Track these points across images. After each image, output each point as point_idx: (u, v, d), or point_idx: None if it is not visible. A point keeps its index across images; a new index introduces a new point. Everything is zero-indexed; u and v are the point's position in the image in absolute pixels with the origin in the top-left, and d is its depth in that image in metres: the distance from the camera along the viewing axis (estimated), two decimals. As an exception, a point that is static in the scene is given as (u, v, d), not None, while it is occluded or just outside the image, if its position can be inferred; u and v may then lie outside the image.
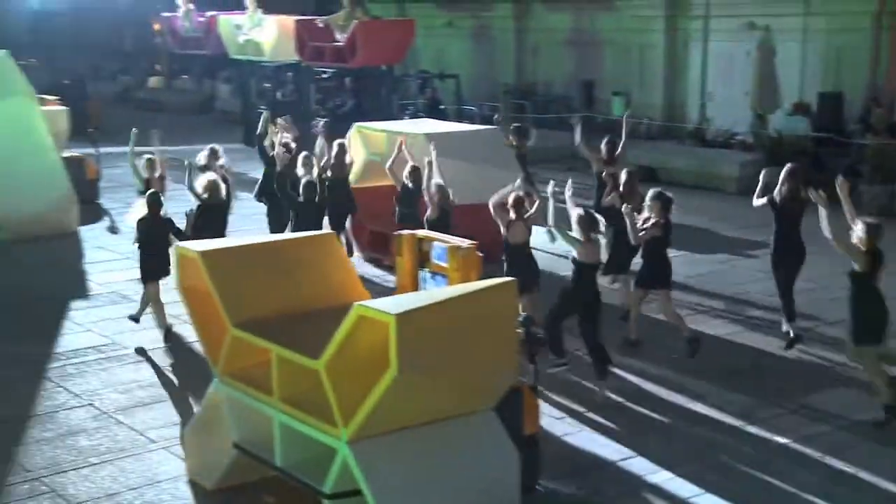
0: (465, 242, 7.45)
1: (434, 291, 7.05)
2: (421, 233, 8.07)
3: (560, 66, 28.08)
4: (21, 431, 8.44)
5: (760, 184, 10.47)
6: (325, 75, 24.49)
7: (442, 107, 23.27)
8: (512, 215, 10.00)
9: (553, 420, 8.50)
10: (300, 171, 12.42)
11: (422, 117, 20.46)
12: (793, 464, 7.77)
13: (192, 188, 11.05)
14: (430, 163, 11.70)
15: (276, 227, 13.21)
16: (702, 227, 15.81)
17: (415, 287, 7.66)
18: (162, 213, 10.86)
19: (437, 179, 11.43)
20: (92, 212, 16.66)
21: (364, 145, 13.94)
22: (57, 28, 42.47)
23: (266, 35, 23.16)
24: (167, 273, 10.41)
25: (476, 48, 30.41)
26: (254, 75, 25.06)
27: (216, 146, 13.17)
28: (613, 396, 9.08)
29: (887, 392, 8.37)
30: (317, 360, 6.09)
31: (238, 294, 6.97)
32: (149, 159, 12.97)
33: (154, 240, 10.65)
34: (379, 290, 11.40)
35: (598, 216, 9.34)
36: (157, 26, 30.83)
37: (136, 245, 10.85)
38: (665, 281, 10.11)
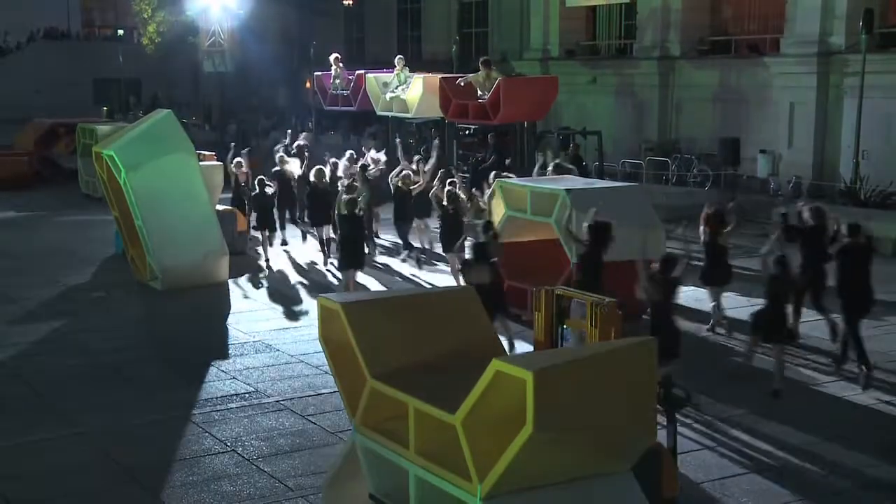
0: (605, 299, 7.36)
1: (572, 349, 6.97)
2: (560, 288, 8.01)
3: (704, 123, 27.70)
4: (168, 475, 8.71)
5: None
6: (467, 131, 24.83)
7: (584, 163, 23.16)
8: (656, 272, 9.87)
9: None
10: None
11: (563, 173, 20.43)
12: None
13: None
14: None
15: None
16: (854, 290, 15.17)
17: (552, 343, 7.60)
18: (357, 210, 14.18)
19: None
20: (241, 263, 17.22)
21: (505, 201, 14.01)
22: (219, 87, 44.50)
23: (412, 93, 23.69)
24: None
25: (619, 105, 30.31)
26: (399, 131, 25.59)
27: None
28: (761, 457, 8.76)
29: None
30: (453, 415, 6.07)
31: (377, 346, 7.03)
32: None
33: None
34: (517, 347, 11.39)
35: None
36: (308, 84, 31.87)
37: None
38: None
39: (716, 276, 12.95)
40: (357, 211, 14.47)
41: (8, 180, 27.56)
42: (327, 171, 18.08)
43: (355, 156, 20.09)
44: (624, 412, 6.25)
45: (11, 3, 54.96)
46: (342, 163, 19.07)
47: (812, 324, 13.09)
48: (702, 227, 13.12)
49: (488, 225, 12.60)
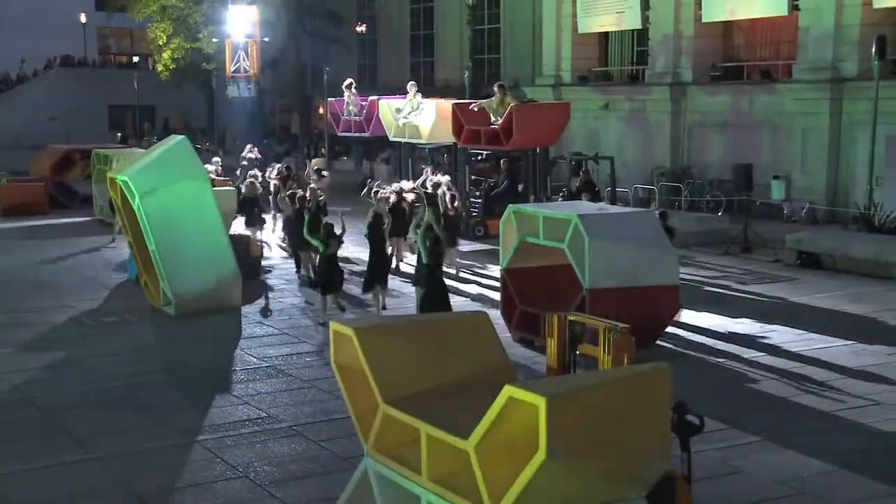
0: (618, 325, 7.35)
1: (585, 374, 6.95)
2: (573, 314, 8.01)
3: (716, 148, 27.75)
4: (180, 500, 8.70)
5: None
6: (480, 157, 24.91)
7: (597, 189, 23.17)
8: None
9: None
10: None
11: (576, 199, 20.47)
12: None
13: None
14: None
15: None
16: (869, 317, 15.12)
17: (565, 369, 7.58)
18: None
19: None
20: (254, 288, 17.24)
21: (518, 227, 14.02)
22: (234, 113, 44.87)
23: (425, 118, 23.78)
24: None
25: (631, 130, 30.39)
26: (411, 157, 25.69)
27: None
28: (777, 485, 8.69)
29: None
30: (466, 441, 6.06)
31: (390, 371, 7.02)
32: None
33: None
34: (529, 372, 11.36)
35: None
36: (321, 110, 32.11)
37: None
38: None
39: None
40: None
41: (24, 206, 27.79)
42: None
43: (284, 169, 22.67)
44: (637, 438, 6.23)
45: (29, 31, 55.63)
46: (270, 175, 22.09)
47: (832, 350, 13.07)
48: None
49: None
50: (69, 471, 9.36)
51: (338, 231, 15.09)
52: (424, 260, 13.53)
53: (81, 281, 18.59)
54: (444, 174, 21.52)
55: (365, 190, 19.71)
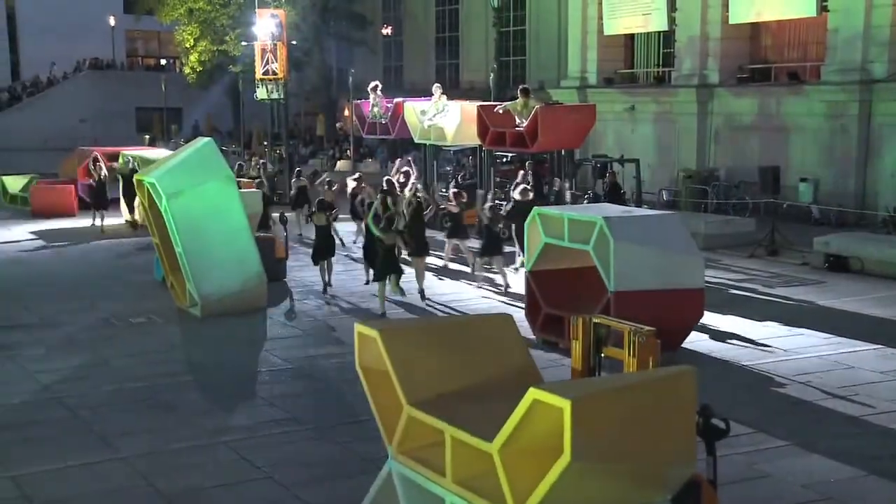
0: (643, 328, 7.32)
1: (610, 377, 6.93)
2: (598, 317, 7.98)
3: (743, 151, 27.58)
4: (207, 501, 8.75)
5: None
6: (504, 159, 24.87)
7: (622, 191, 23.09)
8: None
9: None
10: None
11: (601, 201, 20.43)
12: None
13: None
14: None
15: None
16: (899, 321, 15.00)
17: (590, 372, 7.55)
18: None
19: None
20: (279, 290, 17.30)
21: (543, 229, 13.99)
22: (259, 116, 45.01)
23: (450, 121, 23.78)
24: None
25: (657, 133, 30.27)
26: (436, 159, 25.69)
27: None
28: (804, 490, 8.62)
29: None
30: (491, 443, 6.04)
31: (414, 373, 7.01)
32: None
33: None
34: (553, 375, 11.33)
35: None
36: (346, 112, 32.18)
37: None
38: None
39: None
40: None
41: (53, 208, 28.03)
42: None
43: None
44: (663, 441, 6.20)
45: (59, 34, 56.24)
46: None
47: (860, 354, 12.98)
48: None
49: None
50: (96, 470, 9.42)
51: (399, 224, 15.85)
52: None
53: (108, 282, 18.74)
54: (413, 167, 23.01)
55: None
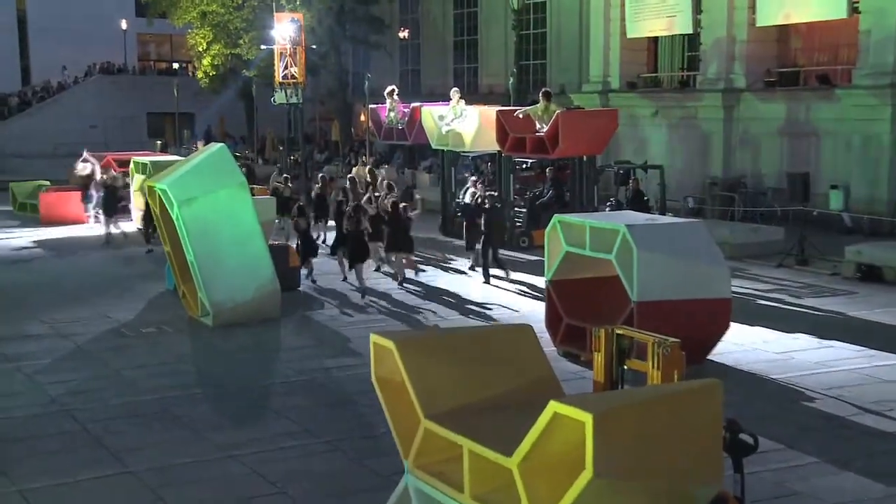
0: (667, 339, 7.06)
1: (634, 390, 6.70)
2: (620, 328, 7.70)
3: (771, 157, 27.16)
4: (216, 516, 8.51)
5: None
6: (524, 165, 24.60)
7: (646, 198, 22.76)
8: None
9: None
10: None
11: (623, 209, 20.12)
12: None
13: None
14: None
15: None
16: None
17: (612, 384, 7.31)
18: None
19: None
20: (293, 299, 17.06)
21: (564, 237, 13.68)
22: (273, 121, 44.96)
23: (468, 126, 23.52)
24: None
25: (681, 138, 29.87)
26: (454, 165, 25.41)
27: None
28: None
29: None
30: (510, 458, 5.89)
31: (431, 385, 6.85)
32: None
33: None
34: (575, 387, 11.02)
35: None
36: (362, 117, 32.08)
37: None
38: None
39: None
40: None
41: (61, 215, 27.92)
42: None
43: None
44: (688, 457, 6.03)
45: (70, 38, 56.17)
46: None
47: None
48: None
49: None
50: (104, 485, 9.22)
51: None
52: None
53: (119, 291, 18.53)
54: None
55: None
